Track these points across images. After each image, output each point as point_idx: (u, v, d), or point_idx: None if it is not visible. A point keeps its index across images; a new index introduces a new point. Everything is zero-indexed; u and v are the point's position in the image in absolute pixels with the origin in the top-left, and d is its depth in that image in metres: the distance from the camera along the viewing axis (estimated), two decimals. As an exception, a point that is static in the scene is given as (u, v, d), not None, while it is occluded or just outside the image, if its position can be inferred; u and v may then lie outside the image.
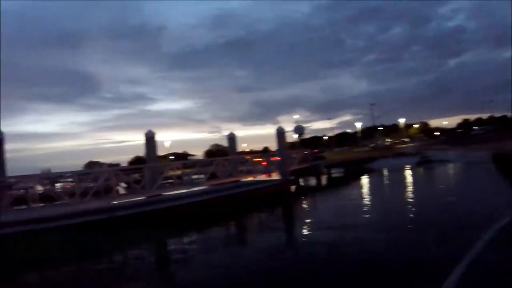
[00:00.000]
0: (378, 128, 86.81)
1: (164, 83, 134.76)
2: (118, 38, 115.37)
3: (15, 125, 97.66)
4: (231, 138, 24.45)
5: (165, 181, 19.66)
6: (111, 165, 37.24)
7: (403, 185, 24.13)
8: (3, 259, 10.94)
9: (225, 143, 27.00)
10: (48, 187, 17.37)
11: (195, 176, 21.87)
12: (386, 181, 30.06)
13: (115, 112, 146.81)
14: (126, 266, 10.58)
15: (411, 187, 22.98)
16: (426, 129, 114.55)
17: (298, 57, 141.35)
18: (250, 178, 22.63)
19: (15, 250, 11.39)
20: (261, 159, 26.93)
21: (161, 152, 22.28)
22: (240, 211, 16.29)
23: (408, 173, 32.46)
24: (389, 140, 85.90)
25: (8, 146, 17.48)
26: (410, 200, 17.37)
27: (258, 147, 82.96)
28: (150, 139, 19.88)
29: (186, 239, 12.76)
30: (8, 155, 17.45)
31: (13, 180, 17.51)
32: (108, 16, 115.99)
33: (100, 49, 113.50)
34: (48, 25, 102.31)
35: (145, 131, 19.58)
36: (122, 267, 10.56)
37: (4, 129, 17.04)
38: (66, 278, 10.01)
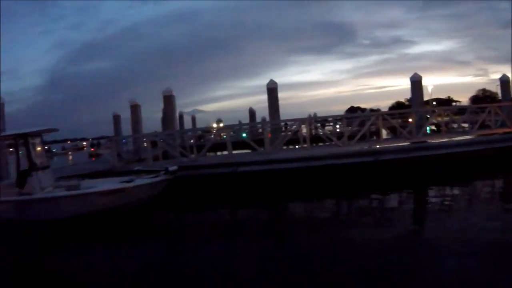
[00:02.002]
0: None
1: (422, 23, 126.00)
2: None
3: (283, 76, 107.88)
4: (504, 81, 21.44)
5: (430, 128, 18.73)
6: (372, 111, 37.52)
7: None
8: (276, 190, 12.44)
9: (493, 88, 23.88)
10: (317, 129, 18.48)
11: (464, 124, 20.16)
12: None
13: (373, 58, 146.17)
14: (381, 209, 10.59)
15: None
16: None
17: None
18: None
19: (289, 183, 12.59)
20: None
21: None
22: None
23: None
24: None
25: (279, 95, 19.42)
26: None
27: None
28: (415, 83, 19.05)
29: (448, 192, 11.94)
30: (279, 103, 19.42)
31: (283, 123, 19.42)
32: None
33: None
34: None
35: (409, 75, 18.89)
36: (377, 209, 10.64)
37: (276, 80, 19.14)
38: (325, 210, 10.90)
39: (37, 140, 12.51)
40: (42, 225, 10.43)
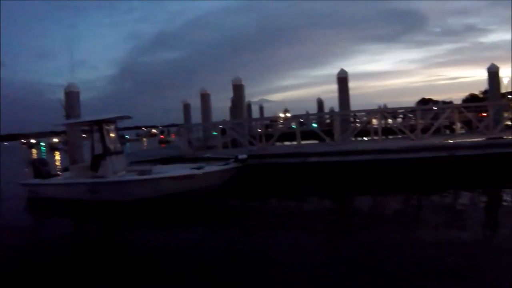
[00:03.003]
0: None
1: (496, 10, 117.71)
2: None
3: (351, 66, 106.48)
4: None
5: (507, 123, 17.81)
6: (444, 103, 36.10)
7: None
8: (345, 182, 12.42)
9: None
10: (388, 121, 18.16)
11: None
12: None
13: (445, 46, 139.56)
14: (454, 207, 10.24)
15: None
16: None
17: None
18: None
19: (359, 176, 12.53)
20: None
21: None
22: None
23: None
24: None
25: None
26: None
27: None
28: (492, 74, 18.30)
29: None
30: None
31: (351, 114, 19.14)
32: None
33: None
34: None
35: (483, 65, 18.33)
36: (449, 207, 10.25)
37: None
38: (396, 206, 10.77)
39: (111, 127, 13.29)
40: (114, 206, 11.26)
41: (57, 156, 40.84)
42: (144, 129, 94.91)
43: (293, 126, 18.69)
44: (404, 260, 6.34)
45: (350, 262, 6.51)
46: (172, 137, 45.72)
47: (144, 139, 71.34)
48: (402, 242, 7.29)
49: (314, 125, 21.45)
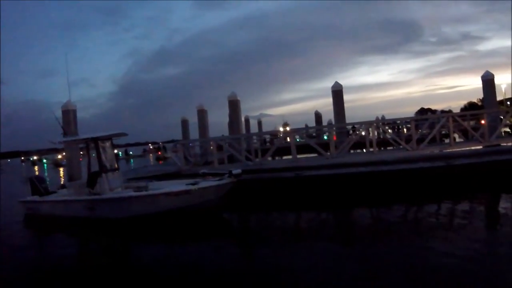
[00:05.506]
0: None
1: (491, 17, 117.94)
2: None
3: (351, 77, 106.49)
4: None
5: (505, 130, 17.74)
6: (443, 112, 36.06)
7: None
8: (341, 195, 12.37)
9: None
10: (384, 132, 18.13)
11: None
12: None
13: (442, 55, 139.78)
14: (453, 217, 9.91)
15: None
16: None
17: None
18: None
19: (354, 188, 12.47)
20: None
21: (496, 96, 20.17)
22: None
23: None
24: None
25: (345, 97, 19.36)
26: None
27: None
28: (487, 81, 18.27)
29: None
30: (345, 105, 19.32)
31: (350, 126, 19.11)
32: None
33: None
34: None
35: (481, 73, 18.13)
36: (448, 217, 9.97)
37: (341, 82, 19.06)
38: (393, 218, 10.31)
39: (107, 144, 13.40)
40: (110, 223, 11.38)
41: (61, 173, 41.04)
42: (151, 145, 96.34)
43: (297, 140, 18.63)
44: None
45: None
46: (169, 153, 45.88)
47: (151, 155, 71.80)
48: (401, 252, 7.20)
49: (325, 137, 21.44)
